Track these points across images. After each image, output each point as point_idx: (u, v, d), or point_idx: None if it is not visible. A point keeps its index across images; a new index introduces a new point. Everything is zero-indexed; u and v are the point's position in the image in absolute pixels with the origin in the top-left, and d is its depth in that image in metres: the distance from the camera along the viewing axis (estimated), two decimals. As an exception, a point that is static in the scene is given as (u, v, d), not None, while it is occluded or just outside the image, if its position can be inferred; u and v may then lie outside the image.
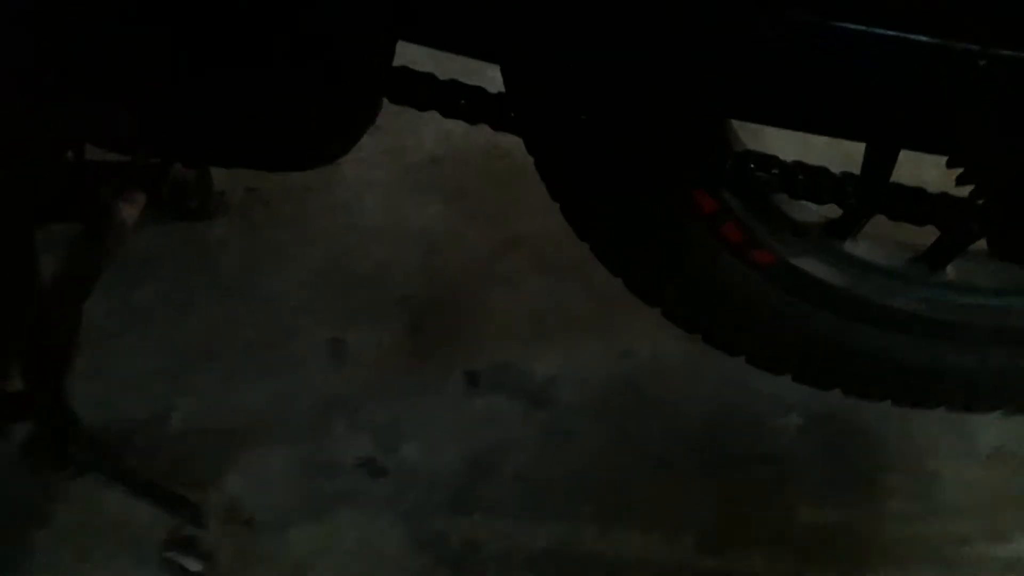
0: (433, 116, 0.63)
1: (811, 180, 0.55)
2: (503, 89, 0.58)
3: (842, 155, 0.61)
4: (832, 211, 0.66)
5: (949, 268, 0.72)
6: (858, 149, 0.60)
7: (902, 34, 0.40)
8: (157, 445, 0.85)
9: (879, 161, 0.59)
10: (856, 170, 0.59)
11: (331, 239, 1.03)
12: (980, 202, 0.56)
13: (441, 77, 0.57)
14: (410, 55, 0.60)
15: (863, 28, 0.41)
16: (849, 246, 0.71)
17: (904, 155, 0.58)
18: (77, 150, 0.60)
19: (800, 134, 0.51)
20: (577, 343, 0.95)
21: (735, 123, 0.64)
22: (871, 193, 0.55)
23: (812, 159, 0.58)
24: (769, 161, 0.55)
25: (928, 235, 0.68)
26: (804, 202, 0.67)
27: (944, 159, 0.55)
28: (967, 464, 0.85)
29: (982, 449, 0.86)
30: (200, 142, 0.57)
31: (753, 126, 0.57)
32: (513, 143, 0.62)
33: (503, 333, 0.96)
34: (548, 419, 0.90)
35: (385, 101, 0.58)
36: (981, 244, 0.69)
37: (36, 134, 0.51)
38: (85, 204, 0.70)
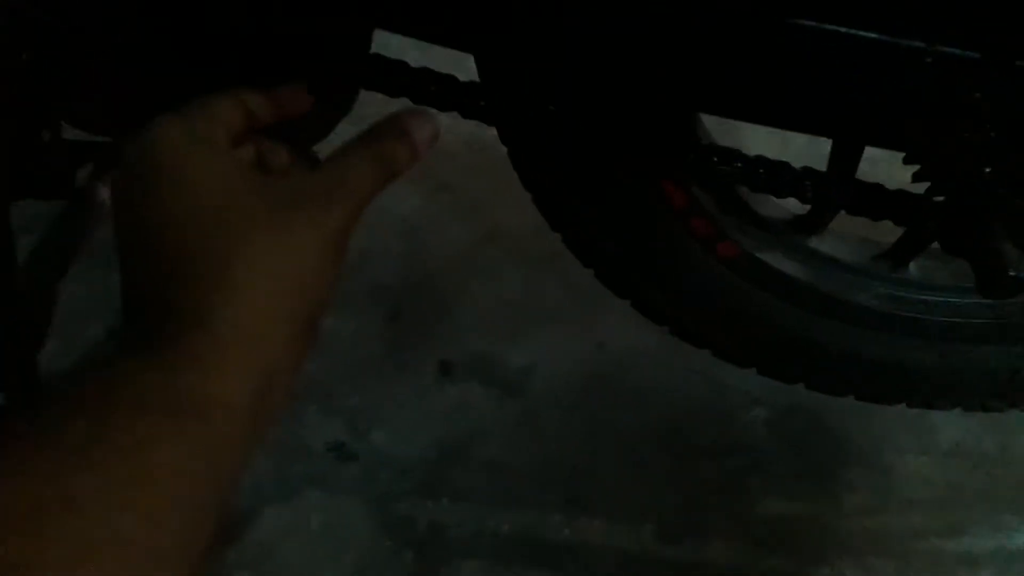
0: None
1: (771, 174, 0.56)
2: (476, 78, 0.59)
3: (821, 155, 0.63)
4: (799, 208, 0.68)
5: (912, 265, 0.74)
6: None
7: (852, 31, 0.42)
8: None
9: (843, 157, 0.60)
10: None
11: (310, 226, 1.04)
12: (936, 199, 0.57)
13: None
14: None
15: (816, 24, 0.42)
16: (815, 242, 0.72)
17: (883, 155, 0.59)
18: (53, 129, 0.61)
19: (780, 133, 0.53)
20: (553, 334, 0.96)
21: (704, 117, 0.66)
22: (828, 188, 0.57)
23: (791, 157, 0.60)
24: (731, 155, 0.57)
25: (896, 233, 0.70)
26: (772, 198, 0.68)
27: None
28: (926, 459, 0.87)
29: (942, 445, 0.88)
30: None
31: (730, 123, 0.58)
32: (495, 137, 0.63)
33: (480, 323, 0.97)
34: (520, 408, 0.91)
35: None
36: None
37: (10, 112, 0.52)
38: (63, 184, 0.70)
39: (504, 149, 0.66)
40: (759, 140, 0.64)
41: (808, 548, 0.81)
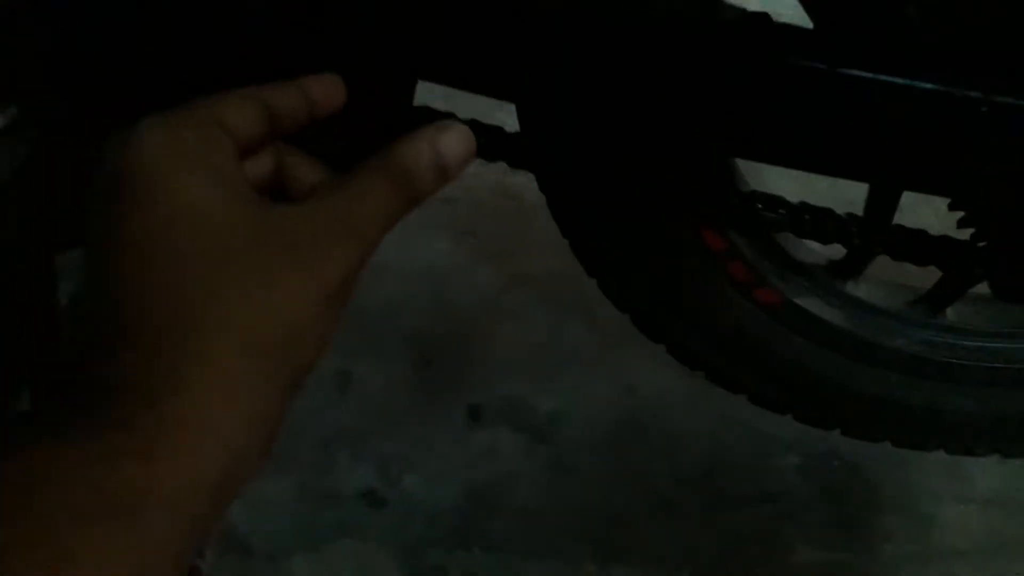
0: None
1: (817, 220, 0.56)
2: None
3: (844, 200, 0.63)
4: (834, 253, 0.68)
5: (949, 311, 0.73)
6: (858, 195, 0.62)
7: (909, 81, 0.42)
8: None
9: (882, 203, 0.61)
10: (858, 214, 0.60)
11: (339, 272, 1.05)
12: (981, 245, 0.57)
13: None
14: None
15: (871, 75, 0.43)
16: (851, 287, 0.72)
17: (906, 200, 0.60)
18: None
19: (803, 179, 0.53)
20: (581, 379, 0.96)
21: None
22: (874, 233, 0.57)
23: (814, 200, 0.60)
24: (775, 201, 0.57)
25: (930, 279, 0.70)
26: (808, 244, 0.69)
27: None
28: (964, 507, 0.85)
29: (980, 492, 0.87)
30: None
31: (753, 170, 0.59)
32: (522, 185, 0.64)
33: (509, 368, 0.97)
34: (550, 454, 0.90)
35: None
36: (980, 288, 0.70)
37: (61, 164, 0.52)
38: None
39: (528, 196, 0.66)
40: (775, 183, 0.64)
41: (849, 598, 0.80)
